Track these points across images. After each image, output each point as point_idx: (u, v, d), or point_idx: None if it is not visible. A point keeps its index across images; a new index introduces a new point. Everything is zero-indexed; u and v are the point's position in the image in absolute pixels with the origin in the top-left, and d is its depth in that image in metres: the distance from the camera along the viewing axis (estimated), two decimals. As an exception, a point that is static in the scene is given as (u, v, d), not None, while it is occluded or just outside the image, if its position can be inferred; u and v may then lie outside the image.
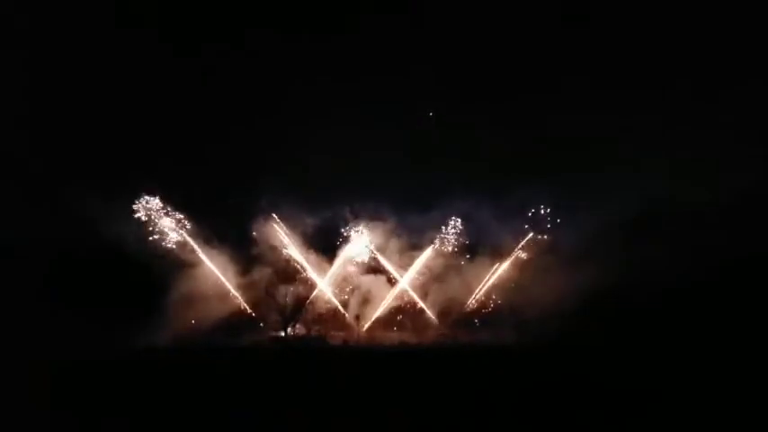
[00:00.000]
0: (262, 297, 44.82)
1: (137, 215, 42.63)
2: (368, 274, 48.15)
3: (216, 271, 44.22)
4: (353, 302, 47.34)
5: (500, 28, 46.35)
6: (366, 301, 47.39)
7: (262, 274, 45.22)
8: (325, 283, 46.95)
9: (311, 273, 46.73)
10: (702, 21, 42.15)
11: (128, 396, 22.23)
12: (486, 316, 46.38)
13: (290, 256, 46.71)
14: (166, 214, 43.67)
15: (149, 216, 43.06)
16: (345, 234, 48.12)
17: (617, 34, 44.00)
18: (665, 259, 38.84)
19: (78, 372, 27.05)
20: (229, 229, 45.62)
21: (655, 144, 44.15)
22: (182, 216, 44.20)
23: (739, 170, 40.32)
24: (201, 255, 44.11)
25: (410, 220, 48.47)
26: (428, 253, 47.92)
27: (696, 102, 41.48)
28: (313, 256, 47.30)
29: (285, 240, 46.69)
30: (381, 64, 47.20)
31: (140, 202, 42.86)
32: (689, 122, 42.05)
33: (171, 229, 43.83)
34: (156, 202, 43.24)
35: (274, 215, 46.60)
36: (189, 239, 43.96)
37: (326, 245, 47.99)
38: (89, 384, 24.40)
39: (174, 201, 44.00)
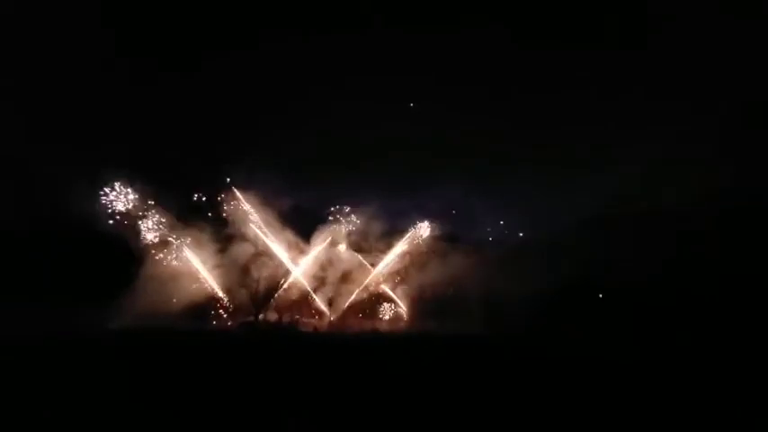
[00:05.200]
0: (235, 279, 43.54)
1: (104, 194, 40.22)
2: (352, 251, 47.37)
3: (187, 252, 42.21)
4: (329, 283, 46.33)
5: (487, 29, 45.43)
6: (343, 281, 46.59)
7: (237, 254, 43.84)
8: (299, 269, 45.76)
9: (283, 257, 45.20)
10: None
11: (89, 380, 21.50)
12: (458, 305, 46.10)
13: (263, 236, 45.04)
14: (136, 192, 41.48)
15: (117, 195, 40.91)
16: (327, 215, 47.08)
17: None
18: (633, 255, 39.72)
19: (40, 353, 26.34)
20: (205, 206, 44.31)
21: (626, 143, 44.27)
22: (152, 192, 41.77)
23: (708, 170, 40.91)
24: (169, 235, 42.17)
25: (393, 205, 47.91)
26: (406, 239, 47.54)
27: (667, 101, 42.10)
28: (290, 237, 45.81)
29: (258, 219, 44.89)
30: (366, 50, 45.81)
31: (109, 182, 40.71)
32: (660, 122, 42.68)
33: (141, 207, 41.70)
34: (124, 183, 40.94)
35: (249, 192, 44.77)
36: (157, 217, 41.99)
37: (304, 225, 46.60)
38: (50, 366, 23.63)
39: (144, 178, 41.68)
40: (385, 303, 47.43)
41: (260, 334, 40.00)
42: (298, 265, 45.69)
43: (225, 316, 43.38)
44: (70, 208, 38.00)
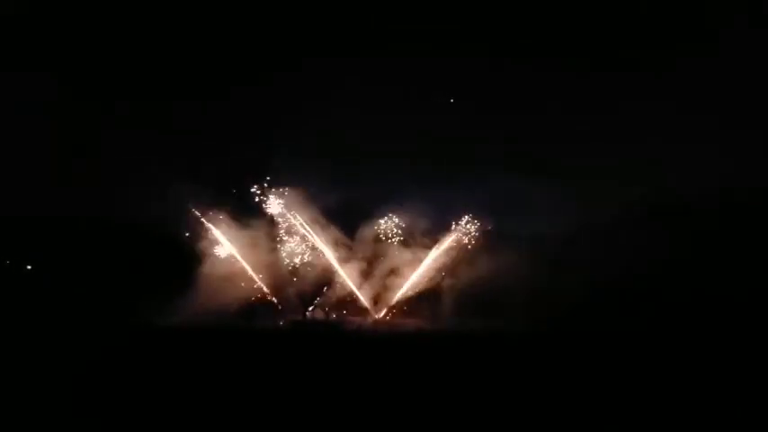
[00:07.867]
0: (283, 278, 44.75)
1: (163, 197, 41.81)
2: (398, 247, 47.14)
3: (234, 251, 43.66)
4: (375, 280, 46.62)
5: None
6: (389, 278, 46.65)
7: (286, 253, 44.97)
8: (345, 266, 46.12)
9: (330, 255, 46.01)
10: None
11: (141, 376, 22.84)
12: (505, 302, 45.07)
13: (310, 234, 45.72)
14: (193, 194, 43.31)
15: (176, 197, 42.54)
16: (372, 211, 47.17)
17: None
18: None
19: (95, 349, 28.24)
20: (256, 205, 45.58)
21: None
22: (208, 194, 43.52)
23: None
24: (219, 235, 43.63)
25: (439, 199, 47.39)
26: (453, 234, 47.08)
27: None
28: (336, 234, 46.31)
29: (305, 217, 45.61)
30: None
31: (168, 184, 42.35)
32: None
33: (201, 207, 43.62)
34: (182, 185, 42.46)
35: (295, 191, 45.35)
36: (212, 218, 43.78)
37: (350, 222, 46.87)
38: (104, 363, 25.29)
39: (199, 180, 43.43)
40: (430, 300, 47.25)
41: (308, 331, 41.30)
42: (344, 263, 46.27)
43: (274, 314, 44.70)
44: (127, 210, 40.43)
